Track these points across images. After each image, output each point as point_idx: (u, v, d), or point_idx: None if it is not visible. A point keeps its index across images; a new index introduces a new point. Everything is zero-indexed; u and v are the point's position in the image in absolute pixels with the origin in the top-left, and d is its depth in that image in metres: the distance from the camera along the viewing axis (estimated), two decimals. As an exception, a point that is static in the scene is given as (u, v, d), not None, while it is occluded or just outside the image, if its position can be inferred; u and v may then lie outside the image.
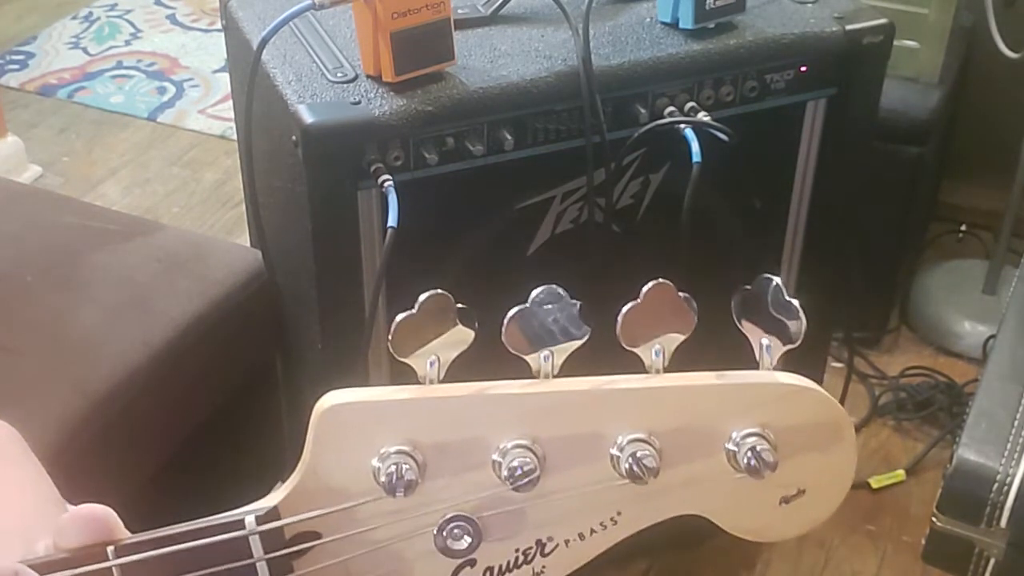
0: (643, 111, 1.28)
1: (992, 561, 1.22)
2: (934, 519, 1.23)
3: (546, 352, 0.52)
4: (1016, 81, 2.15)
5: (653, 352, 0.52)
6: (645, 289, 0.52)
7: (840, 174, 1.43)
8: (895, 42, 1.36)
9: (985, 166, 2.27)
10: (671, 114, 1.28)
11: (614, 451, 0.51)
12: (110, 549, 0.52)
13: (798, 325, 0.52)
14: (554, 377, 0.52)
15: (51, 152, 2.69)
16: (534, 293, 0.52)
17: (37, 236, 1.50)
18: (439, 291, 0.52)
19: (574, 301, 0.52)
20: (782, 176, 1.43)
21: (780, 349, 0.53)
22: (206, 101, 2.90)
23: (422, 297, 0.52)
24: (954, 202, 2.39)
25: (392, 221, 1.15)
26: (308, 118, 1.15)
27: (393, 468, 0.50)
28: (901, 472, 1.90)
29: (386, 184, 1.16)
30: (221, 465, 1.52)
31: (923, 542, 1.26)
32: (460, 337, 0.52)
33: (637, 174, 1.34)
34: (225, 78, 2.82)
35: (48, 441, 1.22)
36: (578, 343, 0.52)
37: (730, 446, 0.51)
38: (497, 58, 1.26)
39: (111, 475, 1.31)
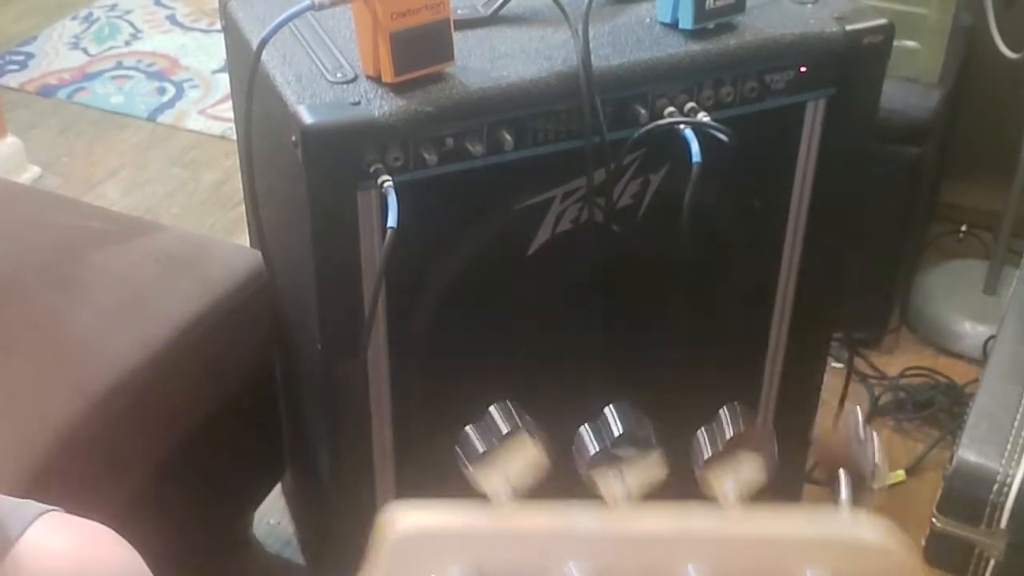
0: (643, 111, 1.28)
1: (992, 562, 1.22)
2: (934, 520, 1.23)
3: (618, 475, 0.50)
4: (1016, 81, 2.15)
5: (728, 484, 0.50)
6: (721, 411, 0.50)
7: (840, 174, 1.43)
8: (895, 42, 1.36)
9: (985, 166, 2.27)
10: (671, 114, 1.28)
11: None
12: None
13: (876, 459, 0.51)
14: (628, 501, 0.50)
15: (51, 152, 2.69)
16: (608, 414, 0.51)
17: (37, 236, 1.50)
18: (510, 406, 0.50)
19: (647, 422, 0.51)
20: (782, 176, 1.43)
21: (860, 486, 0.51)
22: (206, 101, 2.90)
23: (505, 431, 0.50)
24: (954, 202, 2.39)
25: (392, 221, 1.15)
26: (308, 119, 1.15)
27: None
28: (901, 472, 1.90)
29: (386, 185, 1.16)
30: (221, 465, 1.52)
31: (923, 543, 1.26)
32: (535, 462, 0.50)
33: (637, 174, 1.34)
34: (225, 78, 2.81)
35: (47, 441, 1.22)
36: (653, 473, 0.50)
37: None
38: (497, 58, 1.26)
39: (110, 475, 1.31)
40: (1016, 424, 1.24)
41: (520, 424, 0.50)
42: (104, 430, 1.28)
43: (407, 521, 0.50)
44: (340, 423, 1.35)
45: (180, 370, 1.38)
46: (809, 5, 1.36)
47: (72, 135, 2.77)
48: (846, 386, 1.67)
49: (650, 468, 0.50)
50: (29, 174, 2.59)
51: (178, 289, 1.43)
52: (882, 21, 1.34)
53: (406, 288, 1.29)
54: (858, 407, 0.52)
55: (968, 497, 1.20)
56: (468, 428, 0.50)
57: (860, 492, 0.51)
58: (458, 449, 0.50)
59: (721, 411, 0.50)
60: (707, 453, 0.50)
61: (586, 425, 0.51)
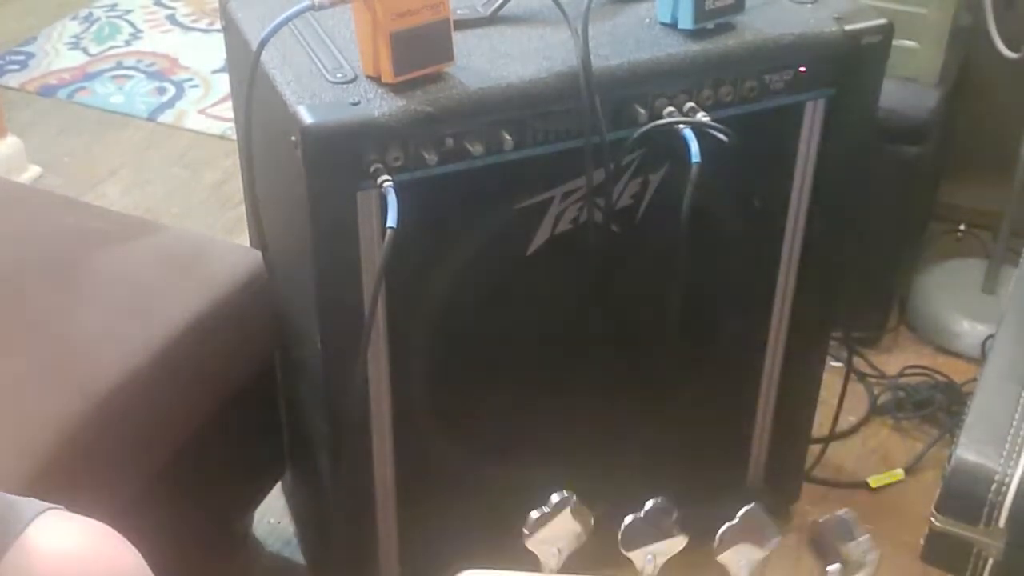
0: (642, 111, 1.28)
1: (991, 561, 1.22)
2: (933, 519, 1.23)
3: (650, 555, 0.59)
4: (1015, 81, 2.15)
5: (740, 565, 0.59)
6: (741, 512, 0.62)
7: (839, 174, 1.44)
8: (894, 42, 1.36)
9: (984, 166, 2.27)
10: (670, 114, 1.28)
11: None
12: None
13: (866, 557, 0.59)
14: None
15: (51, 152, 2.69)
16: (647, 506, 0.60)
17: (37, 236, 1.51)
18: (565, 493, 0.60)
19: (673, 511, 0.61)
20: (781, 176, 1.43)
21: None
22: (206, 101, 2.90)
23: (553, 498, 0.60)
24: (953, 202, 2.39)
25: (391, 221, 1.15)
26: (308, 119, 1.15)
27: None
28: (900, 472, 1.90)
29: (385, 184, 1.17)
30: (221, 465, 1.52)
31: (922, 542, 1.26)
32: (577, 533, 0.60)
33: (636, 174, 1.34)
34: (225, 78, 2.81)
35: (48, 441, 1.22)
36: (678, 546, 0.60)
37: None
38: (496, 59, 1.26)
39: (111, 475, 1.31)
40: (1015, 423, 1.24)
41: (570, 507, 0.60)
42: (105, 430, 1.28)
43: None
44: (340, 423, 1.36)
45: (181, 370, 1.38)
46: (808, 5, 1.36)
47: (72, 135, 2.77)
48: (845, 385, 1.67)
49: (674, 545, 0.60)
50: (29, 174, 2.59)
51: (178, 289, 1.43)
52: (881, 21, 1.34)
53: (406, 288, 1.29)
54: (854, 513, 0.60)
55: (967, 496, 1.20)
56: (532, 512, 0.59)
57: None
58: (525, 530, 0.59)
59: (741, 511, 0.60)
60: (723, 540, 0.60)
61: (632, 516, 0.60)
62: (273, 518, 1.82)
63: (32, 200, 1.67)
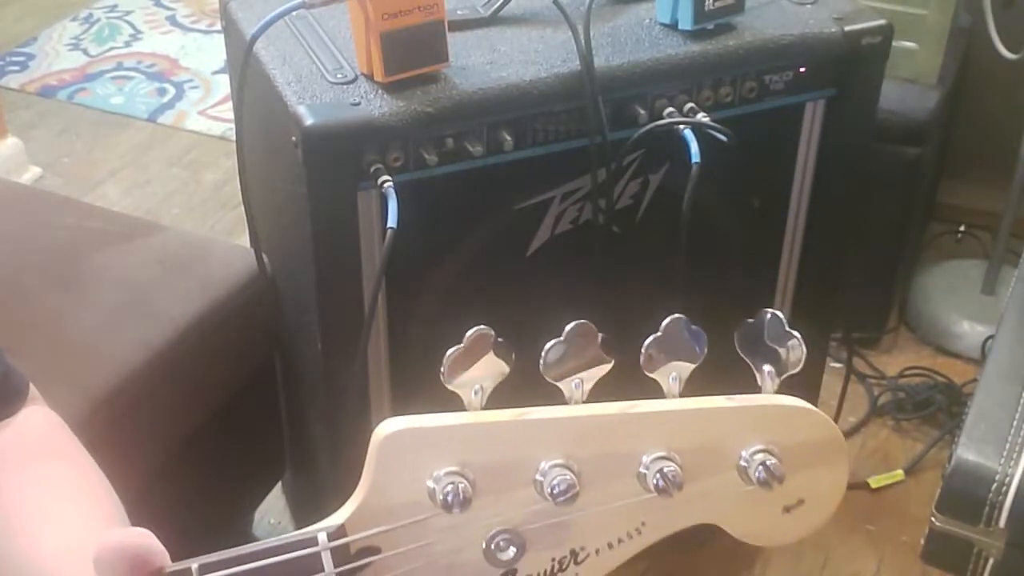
0: (642, 112, 1.28)
1: (991, 561, 1.22)
2: (933, 519, 1.23)
3: (576, 380, 0.58)
4: (1014, 82, 2.16)
5: (670, 378, 0.59)
6: (664, 323, 0.59)
7: (839, 175, 1.44)
8: (894, 43, 1.36)
9: (984, 167, 2.27)
10: (670, 115, 1.28)
11: (641, 469, 0.57)
12: (195, 567, 0.57)
13: (797, 354, 0.59)
14: (584, 402, 0.58)
15: (51, 153, 2.69)
16: (567, 328, 0.59)
17: (37, 237, 1.51)
18: (483, 327, 0.58)
19: (600, 334, 0.59)
20: (781, 176, 1.43)
21: (781, 375, 0.59)
22: (206, 102, 2.90)
23: (469, 332, 0.57)
24: (953, 202, 2.39)
25: (392, 222, 1.15)
26: (308, 119, 1.15)
27: (450, 487, 0.55)
28: (900, 472, 1.90)
29: (386, 185, 1.17)
30: (221, 465, 1.52)
31: (922, 542, 1.26)
32: (497, 369, 0.58)
33: (636, 175, 1.34)
34: (225, 79, 2.82)
35: (48, 441, 1.22)
36: (604, 370, 0.58)
37: (741, 462, 0.58)
38: (497, 59, 1.26)
39: (110, 475, 1.30)
40: (1015, 423, 1.24)
41: (489, 343, 0.58)
42: (105, 430, 1.28)
43: (398, 426, 0.57)
44: (340, 423, 1.36)
45: (181, 370, 1.38)
46: (808, 6, 1.36)
47: (72, 136, 2.77)
48: (845, 386, 1.67)
49: (602, 368, 0.58)
50: (30, 175, 2.60)
51: (179, 289, 1.43)
52: (881, 22, 1.35)
53: (406, 288, 1.29)
54: (779, 313, 0.59)
55: (967, 496, 1.20)
56: (450, 351, 0.57)
57: (778, 381, 0.59)
58: (442, 370, 0.57)
59: (663, 322, 0.59)
60: (650, 355, 0.59)
61: (553, 342, 0.58)
62: (273, 518, 1.82)
63: (32, 200, 1.67)
